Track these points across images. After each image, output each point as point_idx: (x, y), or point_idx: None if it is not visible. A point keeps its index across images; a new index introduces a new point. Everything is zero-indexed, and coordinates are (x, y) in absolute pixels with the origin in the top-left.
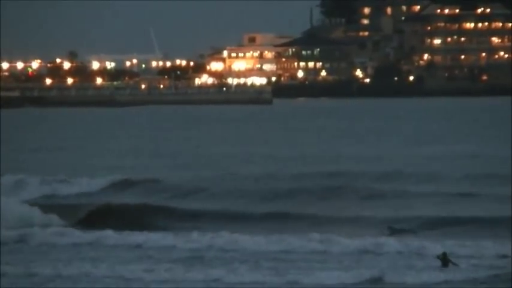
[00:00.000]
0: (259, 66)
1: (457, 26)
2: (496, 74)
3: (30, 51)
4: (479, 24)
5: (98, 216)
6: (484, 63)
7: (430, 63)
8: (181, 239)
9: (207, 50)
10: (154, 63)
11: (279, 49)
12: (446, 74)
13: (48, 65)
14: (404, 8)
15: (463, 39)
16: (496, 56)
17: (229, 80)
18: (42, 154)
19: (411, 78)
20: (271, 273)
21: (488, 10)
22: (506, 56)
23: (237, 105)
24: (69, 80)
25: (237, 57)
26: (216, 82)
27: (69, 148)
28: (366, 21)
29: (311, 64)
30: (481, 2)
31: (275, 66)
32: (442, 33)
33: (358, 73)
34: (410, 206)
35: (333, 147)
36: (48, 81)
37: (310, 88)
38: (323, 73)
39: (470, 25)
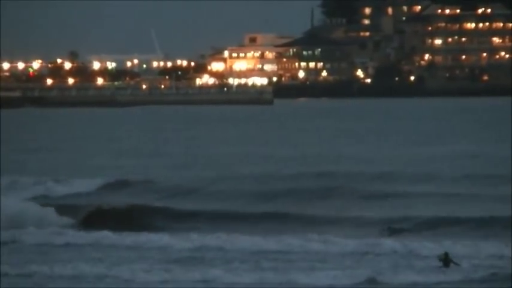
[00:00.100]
0: (260, 66)
1: (457, 26)
2: (497, 74)
3: (31, 51)
4: (480, 25)
5: (95, 217)
6: (485, 64)
7: (430, 64)
8: (179, 239)
9: (208, 50)
10: (155, 64)
11: (280, 49)
12: (447, 74)
13: (49, 65)
14: (405, 8)
15: (463, 39)
16: (497, 56)
17: (230, 80)
18: (42, 154)
19: (412, 78)
20: (270, 273)
21: (489, 10)
22: (507, 56)
23: (238, 106)
24: (70, 80)
25: (238, 57)
26: (217, 82)
27: (68, 148)
28: (366, 22)
29: (312, 64)
30: (482, 2)
31: (276, 67)
32: (443, 34)
33: (359, 73)
34: (410, 206)
35: (333, 147)
36: (49, 81)
37: (311, 88)
38: (324, 73)
39: (471, 25)
